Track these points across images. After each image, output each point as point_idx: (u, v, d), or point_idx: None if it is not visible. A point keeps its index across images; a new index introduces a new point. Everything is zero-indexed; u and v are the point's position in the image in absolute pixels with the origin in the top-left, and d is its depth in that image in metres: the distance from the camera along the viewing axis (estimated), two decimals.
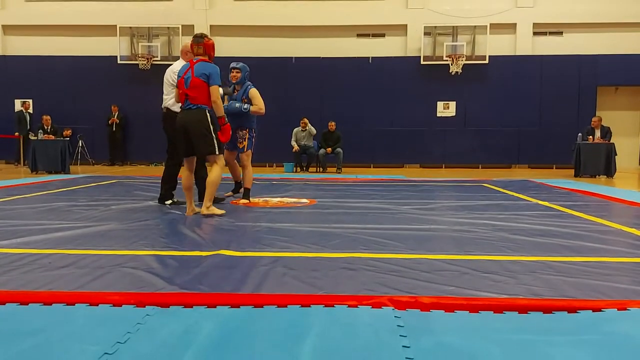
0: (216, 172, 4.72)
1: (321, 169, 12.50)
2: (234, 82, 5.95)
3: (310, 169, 12.69)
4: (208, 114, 4.69)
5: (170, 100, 5.42)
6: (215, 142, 4.67)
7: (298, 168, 12.56)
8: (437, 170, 13.67)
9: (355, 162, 13.88)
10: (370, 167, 14.22)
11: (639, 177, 11.36)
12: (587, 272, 2.74)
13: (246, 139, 5.95)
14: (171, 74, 5.42)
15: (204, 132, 4.64)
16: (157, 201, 5.64)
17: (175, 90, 5.07)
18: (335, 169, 12.25)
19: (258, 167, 12.45)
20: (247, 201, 5.83)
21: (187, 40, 5.52)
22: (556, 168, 13.91)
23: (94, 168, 13.03)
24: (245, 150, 5.94)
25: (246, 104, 5.85)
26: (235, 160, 6.20)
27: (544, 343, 1.83)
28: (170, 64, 5.66)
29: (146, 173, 11.00)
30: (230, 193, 6.40)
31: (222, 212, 4.78)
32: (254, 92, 5.91)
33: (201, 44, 4.74)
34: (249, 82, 6.01)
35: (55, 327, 1.96)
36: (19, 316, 2.09)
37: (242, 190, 6.13)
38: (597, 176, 10.77)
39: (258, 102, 5.89)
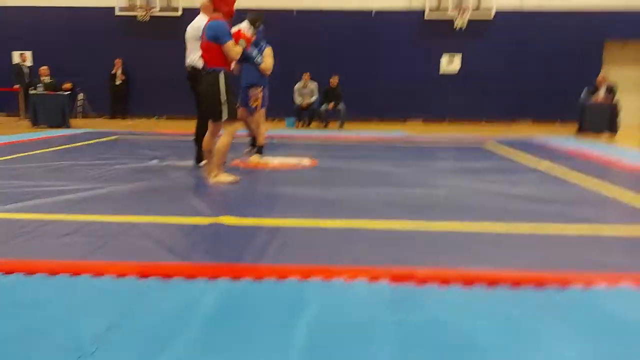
0: (224, 140, 4.54)
1: (323, 125, 12.45)
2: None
3: (312, 125, 12.64)
4: (222, 77, 4.46)
5: (193, 57, 5.31)
6: (224, 107, 4.46)
7: (300, 124, 12.51)
8: (440, 125, 13.60)
9: (357, 118, 13.78)
10: (372, 123, 14.15)
11: None
12: (580, 243, 2.80)
13: (260, 98, 6.04)
14: (191, 30, 5.30)
15: (213, 96, 4.46)
16: (194, 162, 5.61)
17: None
18: (338, 124, 12.20)
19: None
20: (259, 159, 6.04)
21: None
22: (560, 123, 13.81)
23: (95, 122, 12.98)
24: (258, 109, 6.04)
25: (259, 57, 5.84)
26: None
27: (534, 320, 1.89)
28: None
29: (148, 128, 10.97)
30: (249, 148, 6.46)
31: (232, 178, 4.60)
32: (268, 50, 5.95)
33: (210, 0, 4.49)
34: (265, 42, 5.99)
35: (60, 299, 2.03)
36: (25, 287, 2.16)
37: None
38: (600, 133, 10.72)
39: (268, 61, 5.92)
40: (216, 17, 4.50)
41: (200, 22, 5.30)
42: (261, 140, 6.14)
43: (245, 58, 5.91)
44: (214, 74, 4.48)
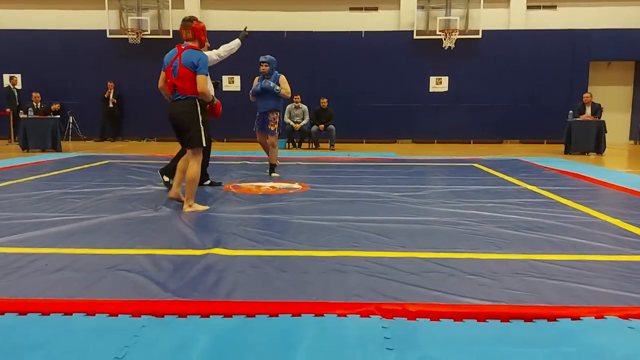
0: (194, 167, 4.53)
1: (314, 146, 12.54)
2: (264, 74, 6.72)
3: (303, 146, 12.72)
4: (198, 104, 4.49)
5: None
6: (202, 134, 4.50)
7: (290, 144, 12.59)
8: (429, 146, 13.73)
9: (348, 138, 13.89)
10: (362, 143, 14.26)
11: (627, 154, 11.49)
12: (568, 273, 2.84)
13: (277, 122, 6.86)
14: None
15: (192, 124, 4.45)
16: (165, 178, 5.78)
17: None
18: (329, 145, 12.30)
19: (251, 143, 12.45)
20: (277, 174, 6.92)
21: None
22: (547, 143, 14.00)
23: (85, 145, 12.99)
24: (276, 131, 6.88)
25: (278, 86, 6.72)
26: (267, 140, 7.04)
27: (523, 356, 1.93)
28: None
29: (138, 151, 10.98)
30: (275, 174, 7.04)
31: (205, 207, 4.64)
32: (283, 78, 6.83)
33: (189, 29, 4.46)
34: (277, 71, 6.83)
35: (54, 341, 2.03)
36: (19, 328, 2.16)
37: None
38: (587, 153, 10.88)
39: (286, 87, 6.81)
40: (193, 46, 4.49)
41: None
42: (275, 160, 7.00)
43: (265, 91, 6.70)
44: (190, 101, 4.45)
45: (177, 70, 4.41)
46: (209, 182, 5.98)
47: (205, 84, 4.42)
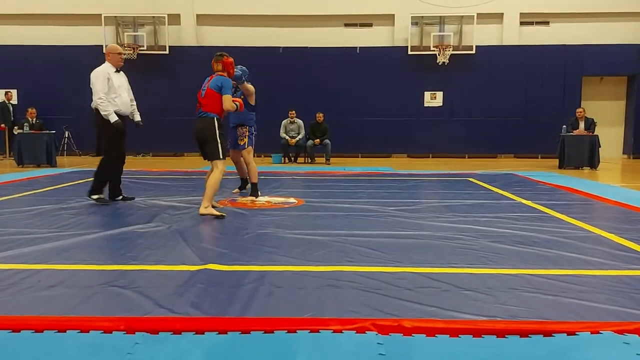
0: (216, 175, 5.09)
1: (309, 160, 12.56)
2: (236, 87, 6.29)
3: (299, 160, 12.74)
4: (216, 122, 5.11)
5: (97, 100, 5.78)
6: (219, 148, 5.10)
7: (286, 159, 12.61)
8: (424, 160, 13.78)
9: (343, 152, 13.94)
10: (358, 157, 14.30)
11: (621, 169, 11.56)
12: (563, 288, 2.84)
13: (246, 136, 6.38)
14: (93, 78, 5.71)
15: (210, 138, 5.09)
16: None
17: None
18: (324, 160, 12.32)
19: None
20: (255, 197, 6.20)
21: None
22: (541, 158, 14.07)
23: (80, 160, 12.97)
24: (246, 146, 6.38)
25: (246, 79, 6.18)
26: (241, 158, 6.53)
27: None
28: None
29: (133, 167, 10.95)
30: (237, 190, 6.76)
31: (220, 214, 4.98)
32: (252, 87, 6.36)
33: (220, 62, 5.21)
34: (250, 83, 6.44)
35: (48, 359, 2.01)
36: (12, 346, 2.14)
37: (248, 186, 6.53)
38: (581, 168, 10.94)
39: (251, 88, 6.29)
40: (222, 74, 5.21)
41: (100, 70, 5.71)
42: (254, 179, 6.35)
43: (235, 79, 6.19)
44: (209, 118, 5.11)
45: (205, 91, 5.17)
46: (121, 197, 5.99)
47: (229, 102, 5.11)
